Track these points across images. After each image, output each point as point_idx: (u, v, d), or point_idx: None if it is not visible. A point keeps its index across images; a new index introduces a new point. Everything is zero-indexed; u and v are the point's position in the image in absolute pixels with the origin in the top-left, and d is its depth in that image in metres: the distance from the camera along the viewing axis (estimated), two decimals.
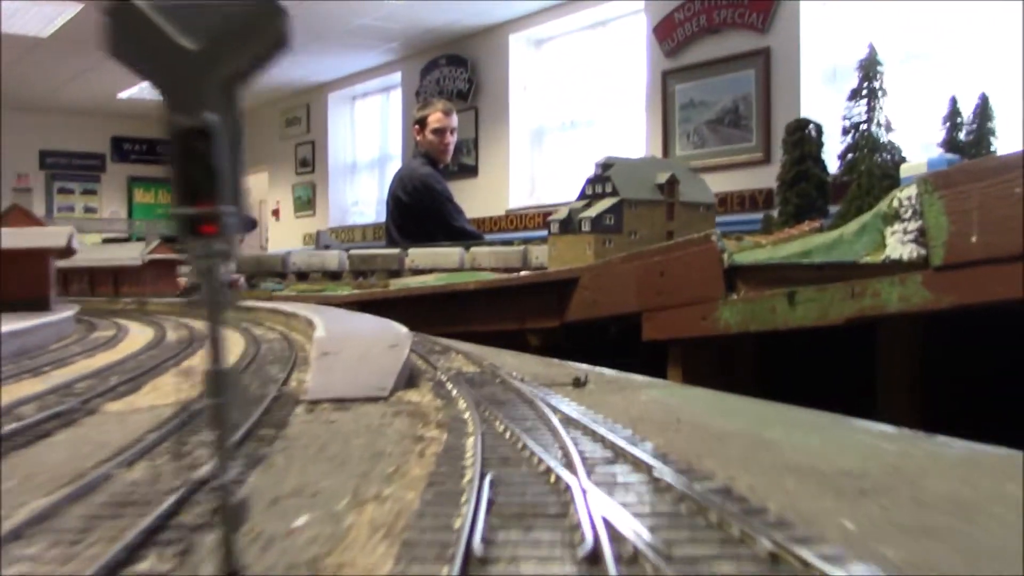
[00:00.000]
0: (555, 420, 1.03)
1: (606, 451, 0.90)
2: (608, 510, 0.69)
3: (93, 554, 0.64)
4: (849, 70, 7.91)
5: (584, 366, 1.73)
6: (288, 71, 13.19)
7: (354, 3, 10.11)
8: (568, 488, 0.75)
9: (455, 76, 11.55)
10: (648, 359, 3.00)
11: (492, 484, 0.77)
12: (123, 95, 14.76)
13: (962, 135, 3.85)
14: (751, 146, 8.54)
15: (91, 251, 6.00)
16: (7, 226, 3.28)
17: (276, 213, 15.90)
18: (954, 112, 3.82)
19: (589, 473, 0.80)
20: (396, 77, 12.70)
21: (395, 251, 4.81)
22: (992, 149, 3.85)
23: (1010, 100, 5.47)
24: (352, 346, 1.51)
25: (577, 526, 0.66)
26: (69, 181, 17.05)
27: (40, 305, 3.12)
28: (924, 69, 6.90)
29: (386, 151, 13.50)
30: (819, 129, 3.83)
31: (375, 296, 4.20)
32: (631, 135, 9.58)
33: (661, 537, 0.64)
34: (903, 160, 3.51)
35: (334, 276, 4.99)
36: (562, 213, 3.61)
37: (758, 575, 0.58)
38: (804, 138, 3.84)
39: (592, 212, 3.51)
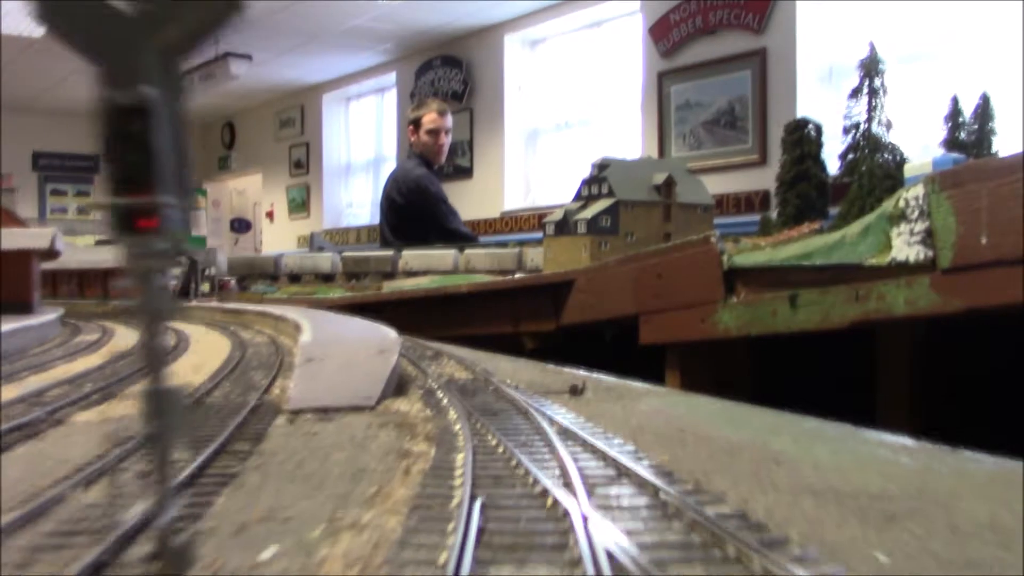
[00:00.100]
0: (552, 432, 0.96)
1: (607, 469, 0.83)
2: (612, 540, 0.62)
3: None
4: (846, 71, 7.89)
5: (581, 372, 1.66)
6: (282, 72, 13.12)
7: (348, 4, 10.04)
8: (567, 514, 0.68)
9: (450, 77, 11.48)
10: (645, 362, 2.94)
11: (483, 508, 0.70)
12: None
13: (962, 135, 3.81)
14: (747, 147, 8.49)
15: (80, 253, 5.92)
16: None
17: (270, 215, 15.81)
18: (955, 112, 3.77)
19: (590, 495, 0.73)
20: (391, 78, 12.63)
21: (388, 253, 4.74)
22: (993, 149, 3.81)
23: (1010, 100, 5.41)
24: (338, 352, 1.44)
25: (578, 561, 0.59)
26: (62, 183, 16.94)
27: (23, 308, 3.04)
28: (921, 69, 6.85)
29: (381, 152, 13.43)
30: (819, 129, 3.77)
31: (368, 299, 4.13)
32: (627, 136, 9.52)
33: None
34: (904, 160, 3.45)
35: (327, 278, 4.92)
36: (557, 215, 3.55)
37: None
38: (804, 138, 3.78)
39: (588, 213, 3.44)
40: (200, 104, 14.52)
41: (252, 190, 17.09)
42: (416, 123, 6.42)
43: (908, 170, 3.06)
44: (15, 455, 0.98)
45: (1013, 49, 6.18)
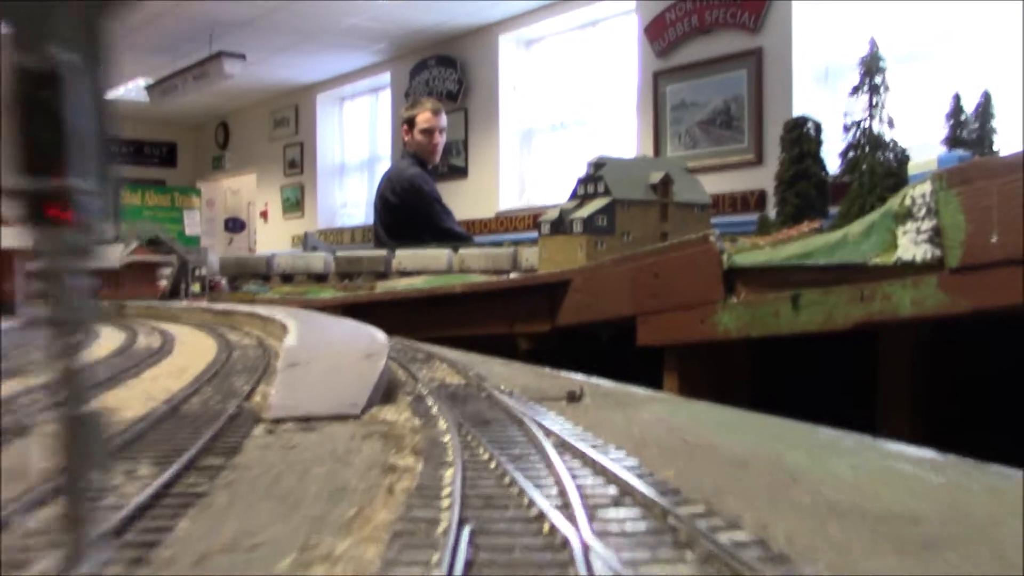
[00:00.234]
0: (548, 445, 0.89)
1: (609, 487, 0.76)
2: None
3: None
4: (842, 71, 7.86)
5: (578, 376, 1.59)
6: (276, 71, 13.05)
7: (343, 3, 9.97)
8: (566, 543, 0.61)
9: (445, 77, 11.42)
10: (643, 364, 2.88)
11: (472, 536, 0.63)
12: (109, 96, 14.55)
13: (963, 133, 3.75)
14: (743, 147, 8.44)
15: None
16: None
17: (264, 215, 15.74)
18: (957, 109, 3.72)
19: (591, 519, 0.66)
20: (385, 78, 12.56)
21: (382, 253, 4.68)
22: (995, 148, 3.75)
23: (1009, 99, 5.37)
24: (324, 356, 1.37)
25: None
26: None
27: (4, 309, 2.96)
28: (918, 69, 6.82)
29: (375, 152, 13.37)
30: (818, 127, 3.71)
31: (360, 299, 4.06)
32: (622, 136, 9.47)
33: None
34: (906, 158, 3.39)
35: (319, 278, 4.85)
36: (553, 214, 3.48)
37: None
38: (803, 136, 3.72)
39: (584, 212, 3.38)
40: (194, 104, 14.44)
41: (246, 190, 17.02)
42: (410, 122, 6.36)
43: (912, 167, 3.00)
44: None
45: (1011, 49, 6.14)
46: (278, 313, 2.77)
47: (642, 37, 9.18)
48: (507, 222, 10.48)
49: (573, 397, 1.27)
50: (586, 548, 0.59)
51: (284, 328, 2.23)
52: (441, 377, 1.56)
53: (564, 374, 1.61)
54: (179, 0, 9.88)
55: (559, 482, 0.75)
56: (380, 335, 1.71)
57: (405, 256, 4.56)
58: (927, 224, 2.03)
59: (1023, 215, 1.85)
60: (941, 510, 0.70)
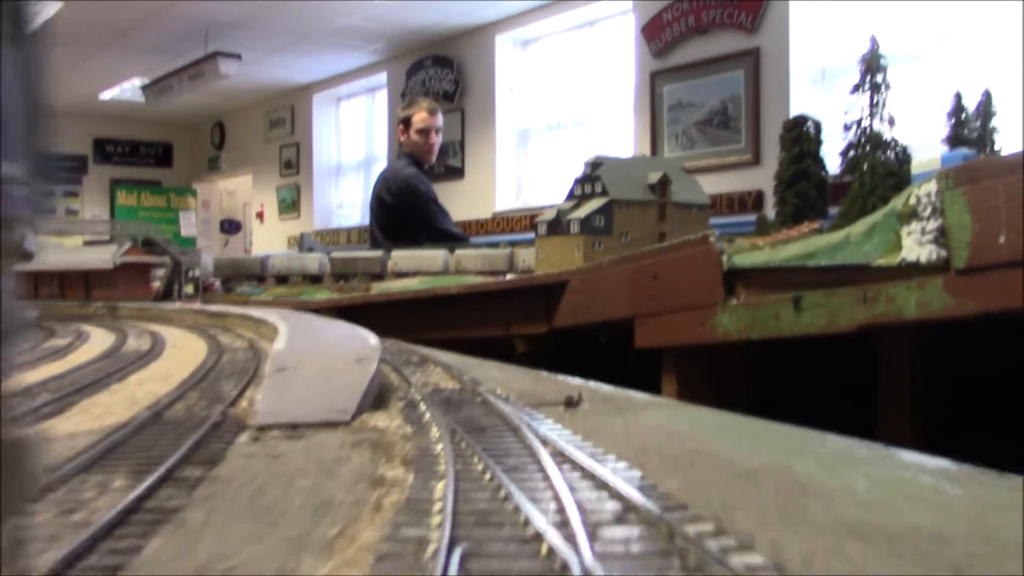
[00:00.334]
0: (546, 455, 0.85)
1: (611, 502, 0.71)
2: None
3: None
4: (839, 71, 7.83)
5: (576, 380, 1.54)
6: (272, 72, 13.01)
7: (339, 3, 9.93)
8: (566, 567, 0.57)
9: (441, 77, 11.38)
10: (641, 366, 2.84)
11: (463, 560, 0.58)
12: (105, 96, 14.51)
13: (965, 131, 3.72)
14: (740, 147, 8.42)
15: (61, 253, 5.78)
16: None
17: (260, 215, 15.70)
18: (959, 108, 3.68)
19: (592, 538, 0.62)
20: (381, 78, 12.52)
21: (377, 254, 4.63)
22: (996, 147, 3.72)
23: (1008, 99, 5.34)
24: (313, 360, 1.32)
25: None
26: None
27: None
28: (915, 70, 6.79)
29: (371, 153, 13.33)
30: (818, 126, 3.67)
31: (354, 301, 4.02)
32: (619, 137, 9.44)
33: None
34: (908, 157, 3.35)
35: (315, 280, 4.81)
36: (550, 214, 3.44)
37: None
38: (803, 135, 3.68)
39: (581, 213, 3.33)
40: (190, 104, 14.39)
41: (242, 191, 16.97)
42: (406, 122, 6.31)
43: (915, 167, 2.96)
44: None
45: (1011, 49, 6.11)
46: (270, 315, 2.72)
47: (639, 37, 9.15)
48: (504, 223, 10.44)
49: (571, 403, 1.23)
50: (587, 574, 0.55)
51: (276, 330, 2.19)
52: (435, 381, 1.52)
53: (561, 378, 1.56)
54: (174, 0, 9.83)
55: (557, 497, 0.71)
56: (372, 338, 1.66)
57: (401, 257, 4.51)
58: (932, 224, 1.99)
59: None
60: (967, 528, 0.66)
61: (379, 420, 1.12)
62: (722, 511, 0.69)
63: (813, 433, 1.00)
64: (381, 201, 6.24)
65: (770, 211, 3.95)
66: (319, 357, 1.34)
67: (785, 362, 2.80)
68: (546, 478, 0.77)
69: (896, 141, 3.37)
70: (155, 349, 2.41)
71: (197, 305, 4.39)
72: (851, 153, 3.48)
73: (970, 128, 3.74)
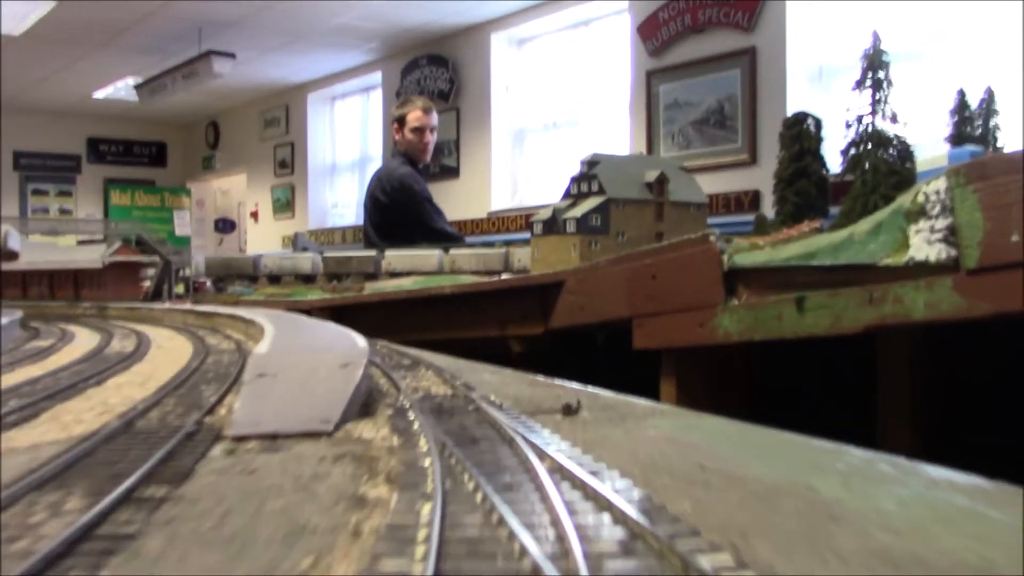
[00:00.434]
0: (543, 472, 0.77)
1: (616, 528, 0.64)
2: None
3: None
4: (836, 70, 7.78)
5: (574, 385, 1.47)
6: (267, 71, 12.93)
7: (333, 2, 9.86)
8: None
9: (436, 76, 11.32)
10: (639, 368, 2.78)
11: None
12: (99, 95, 14.43)
13: (968, 129, 3.67)
14: (736, 147, 8.37)
15: (50, 253, 5.70)
16: None
17: (255, 215, 15.62)
18: (962, 105, 3.63)
19: (594, 570, 0.55)
20: (376, 77, 12.45)
21: (371, 253, 4.56)
22: (999, 144, 3.67)
23: (1008, 99, 5.29)
24: (296, 365, 1.25)
25: None
26: (43, 183, 16.72)
27: None
28: (912, 69, 6.74)
29: (366, 152, 13.26)
30: (818, 123, 3.61)
31: (347, 301, 3.95)
32: (615, 136, 9.38)
33: None
34: (910, 155, 3.29)
35: (307, 279, 4.74)
36: (545, 213, 3.37)
37: None
38: (803, 133, 3.62)
39: (577, 212, 3.27)
40: (184, 103, 14.32)
41: (237, 190, 16.90)
42: (400, 121, 6.25)
43: (921, 164, 2.89)
44: None
45: (1010, 49, 6.07)
46: (259, 316, 2.65)
47: (635, 36, 9.09)
48: (499, 222, 10.38)
49: (569, 410, 1.16)
50: None
51: (264, 331, 2.12)
52: (426, 387, 1.45)
53: (559, 383, 1.49)
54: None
55: (556, 521, 0.64)
56: (360, 341, 1.59)
57: (395, 257, 4.44)
58: (942, 222, 1.92)
59: None
60: (1017, 559, 0.59)
61: (364, 430, 1.04)
62: (740, 538, 0.62)
63: (831, 445, 0.93)
64: (375, 200, 6.17)
65: (767, 210, 3.89)
66: (302, 362, 1.27)
67: (783, 362, 2.74)
68: (544, 499, 0.70)
69: (899, 138, 3.30)
70: (139, 351, 2.34)
71: (187, 305, 4.31)
72: (852, 151, 3.42)
73: (973, 126, 3.69)
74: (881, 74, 3.42)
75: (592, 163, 3.42)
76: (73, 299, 5.41)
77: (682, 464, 0.84)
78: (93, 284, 5.44)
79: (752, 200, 8.10)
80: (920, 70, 6.81)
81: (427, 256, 4.37)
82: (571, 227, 3.24)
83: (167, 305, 4.51)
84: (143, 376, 1.74)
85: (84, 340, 2.84)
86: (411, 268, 4.34)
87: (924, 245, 1.97)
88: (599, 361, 3.28)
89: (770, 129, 7.68)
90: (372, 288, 4.14)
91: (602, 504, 0.68)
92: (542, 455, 0.84)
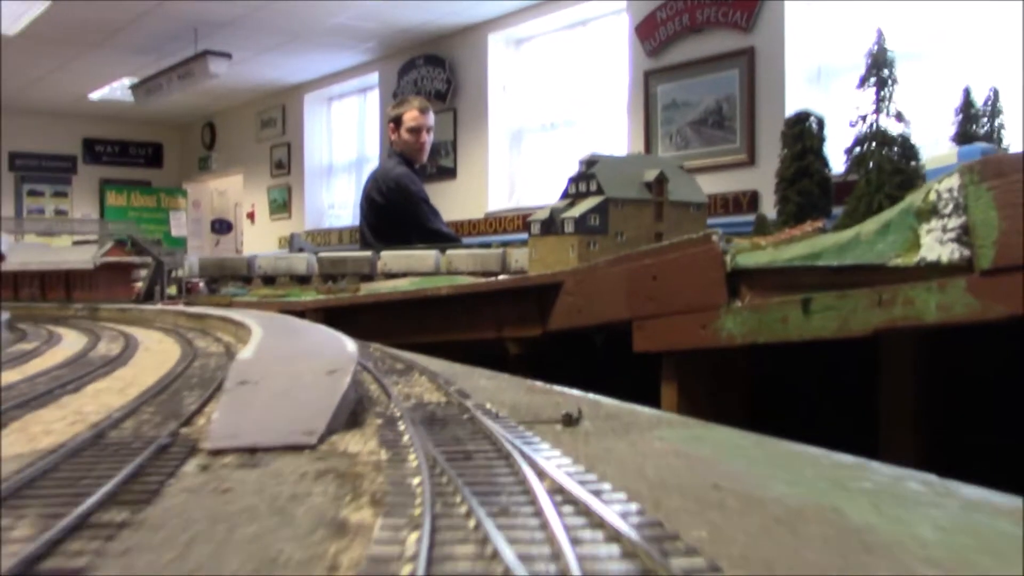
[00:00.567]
0: (542, 493, 0.71)
1: (625, 562, 0.57)
2: None
3: None
4: (835, 70, 7.72)
5: (574, 392, 1.40)
6: (263, 71, 12.86)
7: (330, 2, 9.79)
8: None
9: (433, 76, 11.26)
10: (638, 370, 2.72)
11: None
12: (94, 96, 14.35)
13: (974, 128, 3.62)
14: (735, 147, 8.31)
15: (41, 254, 5.62)
16: None
17: (251, 216, 15.55)
18: (968, 104, 3.57)
19: None
20: (373, 78, 12.39)
21: (366, 254, 4.49)
22: (1004, 144, 3.61)
23: (1008, 98, 5.24)
24: (280, 372, 1.18)
25: None
26: (39, 183, 16.65)
27: None
28: (911, 69, 6.69)
29: (363, 153, 13.19)
30: (820, 122, 3.54)
31: (341, 302, 3.87)
32: (613, 137, 9.32)
33: None
34: (916, 154, 3.23)
35: (302, 280, 4.67)
36: (543, 213, 3.31)
37: None
38: (805, 132, 3.55)
39: (576, 212, 3.20)
40: (180, 104, 14.24)
41: (233, 191, 16.83)
42: (396, 121, 6.18)
43: (931, 162, 2.83)
44: None
45: (1009, 48, 6.02)
46: (249, 318, 2.58)
47: (633, 36, 9.03)
48: (496, 223, 10.32)
49: (570, 420, 1.09)
50: None
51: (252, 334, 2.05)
52: (419, 393, 1.38)
53: (558, 389, 1.42)
54: None
55: (558, 554, 0.57)
56: (350, 345, 1.52)
57: (391, 257, 4.38)
58: (954, 222, 1.85)
59: None
60: None
61: (351, 442, 0.97)
62: (764, 569, 0.56)
63: (852, 460, 0.86)
64: (371, 201, 6.11)
65: (765, 211, 3.83)
66: (287, 368, 1.20)
67: (783, 363, 2.68)
68: (543, 526, 0.63)
69: (903, 137, 3.24)
70: (125, 354, 2.27)
71: (179, 307, 4.24)
72: (857, 150, 3.35)
73: (979, 125, 3.64)
74: (885, 72, 3.36)
75: (591, 163, 3.36)
76: (64, 300, 5.34)
77: (694, 482, 0.78)
78: (85, 285, 5.37)
79: (750, 201, 8.04)
80: (919, 70, 6.75)
81: (423, 257, 4.31)
82: (569, 227, 3.18)
83: (159, 307, 4.43)
84: (124, 382, 1.67)
85: (70, 342, 2.77)
86: (407, 269, 4.28)
87: (936, 245, 1.90)
88: (598, 364, 3.21)
89: (769, 130, 7.63)
90: (368, 289, 4.08)
91: (609, 533, 0.61)
92: (541, 474, 0.77)
